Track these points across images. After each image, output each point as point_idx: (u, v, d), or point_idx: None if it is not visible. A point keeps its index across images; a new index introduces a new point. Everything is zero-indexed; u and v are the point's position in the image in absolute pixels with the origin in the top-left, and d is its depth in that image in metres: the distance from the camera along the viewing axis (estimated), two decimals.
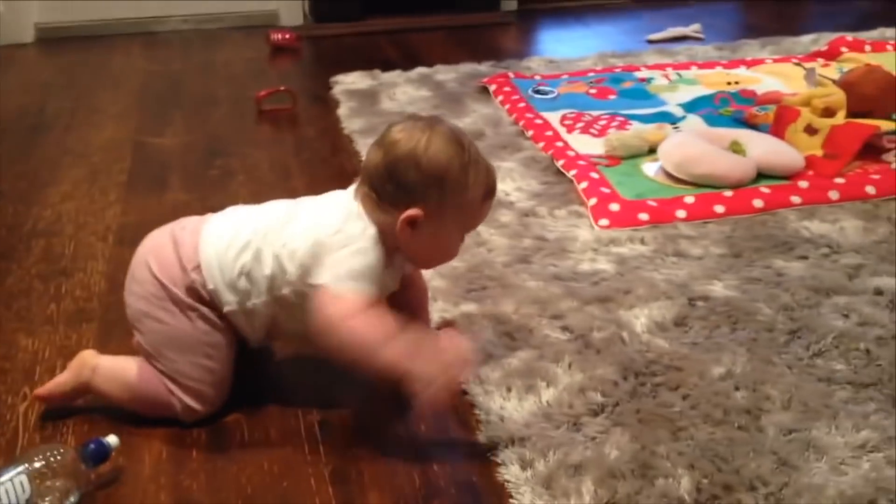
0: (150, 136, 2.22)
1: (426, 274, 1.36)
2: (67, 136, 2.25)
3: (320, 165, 2.04)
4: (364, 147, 2.05)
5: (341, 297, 1.08)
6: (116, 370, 1.19)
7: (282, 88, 2.39)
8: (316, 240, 1.12)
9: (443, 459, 1.12)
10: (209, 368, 1.16)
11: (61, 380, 1.21)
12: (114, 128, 2.29)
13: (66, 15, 3.14)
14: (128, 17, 3.17)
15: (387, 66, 2.62)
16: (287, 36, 2.95)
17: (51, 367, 1.30)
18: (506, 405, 1.17)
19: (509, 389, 1.19)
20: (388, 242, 1.14)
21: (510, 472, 1.06)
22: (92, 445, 1.07)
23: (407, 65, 2.64)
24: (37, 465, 1.01)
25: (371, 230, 1.12)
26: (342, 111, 2.31)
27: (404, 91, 2.42)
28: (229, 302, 1.16)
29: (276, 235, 1.15)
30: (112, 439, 1.08)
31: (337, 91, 2.46)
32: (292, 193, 1.86)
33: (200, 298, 1.16)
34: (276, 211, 1.19)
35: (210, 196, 1.87)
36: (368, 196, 1.13)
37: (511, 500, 1.03)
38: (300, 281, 1.13)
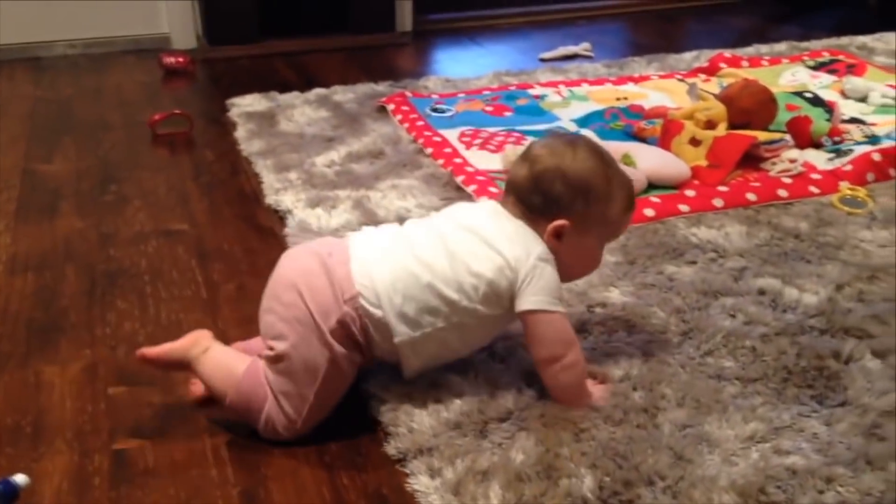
0: (39, 162, 2.16)
1: None
2: None
3: (220, 188, 2.02)
4: (264, 168, 2.05)
5: (564, 318, 1.17)
6: (226, 362, 1.20)
7: (177, 112, 2.36)
8: (504, 265, 1.16)
9: (352, 473, 1.13)
10: (311, 406, 1.16)
11: (173, 346, 1.21)
12: (0, 156, 2.21)
13: None
14: (10, 43, 3.06)
15: (284, 88, 2.62)
16: (180, 59, 2.91)
17: None
18: (414, 417, 1.18)
19: (417, 401, 1.21)
20: None
21: (419, 481, 1.08)
22: (0, 486, 1.03)
23: (304, 86, 2.64)
24: None
25: (546, 248, 1.18)
26: (240, 133, 2.29)
27: (302, 112, 2.42)
28: (401, 333, 1.16)
29: (446, 264, 1.16)
30: (21, 478, 1.05)
31: (234, 113, 2.44)
32: (192, 217, 1.86)
33: (347, 335, 1.15)
34: (429, 240, 1.19)
35: (105, 222, 1.83)
36: (517, 208, 1.20)
37: None
38: (487, 307, 1.16)
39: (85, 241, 1.75)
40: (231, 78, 2.85)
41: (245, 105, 2.50)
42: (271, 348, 1.17)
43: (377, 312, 1.15)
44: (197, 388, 1.24)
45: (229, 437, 1.19)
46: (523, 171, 1.20)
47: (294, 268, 1.19)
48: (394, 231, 1.25)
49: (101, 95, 2.69)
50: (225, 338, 1.42)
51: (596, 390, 1.22)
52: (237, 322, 1.46)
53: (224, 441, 1.18)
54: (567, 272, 1.23)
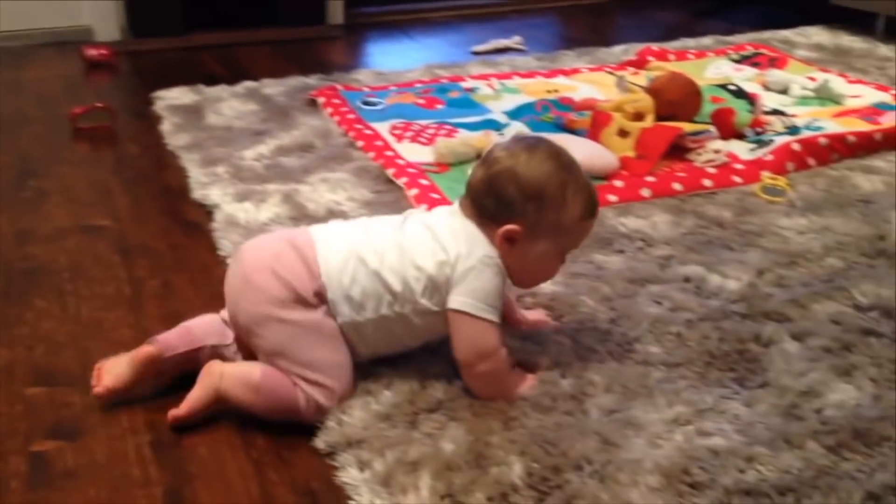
0: None
1: None
2: None
3: (144, 183, 1.98)
4: (190, 163, 2.01)
5: (489, 328, 1.16)
6: (241, 373, 1.18)
7: (99, 105, 2.30)
8: (445, 261, 1.15)
9: (280, 468, 1.11)
10: (336, 362, 1.16)
11: (196, 395, 1.17)
12: None
13: None
14: None
15: (211, 81, 2.57)
16: (103, 51, 2.83)
17: None
18: (344, 409, 1.16)
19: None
20: None
21: (348, 474, 1.07)
22: None
23: (232, 79, 2.59)
24: None
25: (495, 252, 1.17)
26: (165, 127, 2.24)
27: (231, 105, 2.38)
28: (343, 314, 1.17)
29: (395, 255, 1.17)
30: None
31: (159, 107, 2.39)
32: (115, 211, 1.81)
33: (325, 304, 1.17)
34: (386, 231, 1.21)
35: (22, 218, 1.77)
36: (471, 212, 1.18)
37: (350, 502, 1.04)
38: (427, 301, 1.16)
39: (1, 238, 1.69)
40: (156, 71, 2.78)
41: (171, 98, 2.45)
42: (258, 336, 1.16)
43: (329, 293, 1.16)
44: (100, 387, 1.20)
45: (151, 436, 1.16)
46: (480, 172, 1.19)
47: (262, 253, 1.20)
48: (360, 221, 1.27)
49: (20, 89, 2.60)
50: (149, 334, 1.38)
51: (523, 380, 1.22)
52: (162, 319, 1.43)
53: (147, 440, 1.16)
54: (521, 279, 1.23)
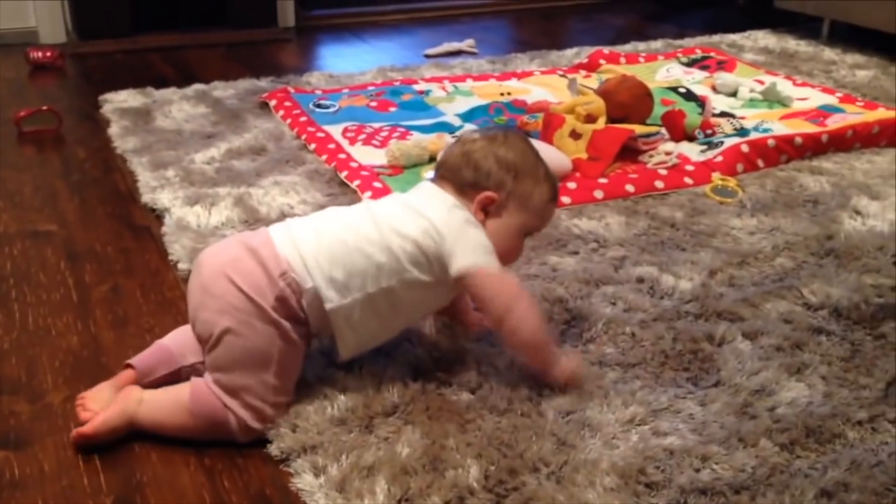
0: None
1: None
2: None
3: (92, 186, 1.94)
4: (139, 166, 1.97)
5: (502, 273, 1.19)
6: (167, 395, 1.15)
7: (44, 108, 2.25)
8: (428, 227, 1.16)
9: (234, 475, 1.09)
10: (275, 387, 1.13)
11: (107, 417, 1.12)
12: None
13: None
14: None
15: (161, 84, 2.53)
16: (48, 54, 2.78)
17: None
18: (299, 414, 1.15)
19: (302, 398, 1.18)
20: None
21: (303, 480, 1.05)
22: None
23: (182, 82, 2.56)
24: None
25: (471, 215, 1.20)
26: (113, 130, 2.20)
27: (180, 108, 2.35)
28: (331, 299, 1.14)
29: (371, 229, 1.16)
30: None
31: (107, 110, 2.34)
32: (62, 216, 1.77)
33: (288, 311, 1.13)
34: (353, 212, 1.22)
35: None
36: (447, 185, 1.22)
37: None
38: (417, 270, 1.16)
39: None
40: (104, 73, 2.73)
41: (119, 101, 2.41)
42: (213, 345, 1.12)
43: (307, 282, 1.13)
44: (89, 412, 1.14)
45: (101, 444, 1.13)
46: (456, 149, 1.25)
47: (218, 259, 1.16)
48: (319, 212, 1.26)
49: None
50: (98, 341, 1.36)
51: (568, 360, 1.22)
52: (111, 325, 1.40)
53: (96, 449, 1.13)
54: None
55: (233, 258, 1.15)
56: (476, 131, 1.30)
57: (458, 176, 1.22)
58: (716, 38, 3.11)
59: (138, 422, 1.14)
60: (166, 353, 1.21)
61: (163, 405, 1.14)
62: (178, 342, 1.22)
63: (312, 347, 1.23)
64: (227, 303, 1.12)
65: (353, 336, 1.18)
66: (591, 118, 2.05)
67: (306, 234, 1.17)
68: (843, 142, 2.08)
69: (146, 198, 1.83)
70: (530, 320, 1.19)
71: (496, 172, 1.21)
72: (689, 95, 2.34)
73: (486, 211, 1.21)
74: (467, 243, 1.17)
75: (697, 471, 1.06)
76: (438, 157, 1.29)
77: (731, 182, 1.89)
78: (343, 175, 1.89)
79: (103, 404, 1.15)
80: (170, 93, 2.47)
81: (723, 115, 2.24)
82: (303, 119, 2.22)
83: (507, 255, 1.26)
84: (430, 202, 1.20)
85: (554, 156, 1.93)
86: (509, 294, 1.18)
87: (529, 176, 1.23)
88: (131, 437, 1.14)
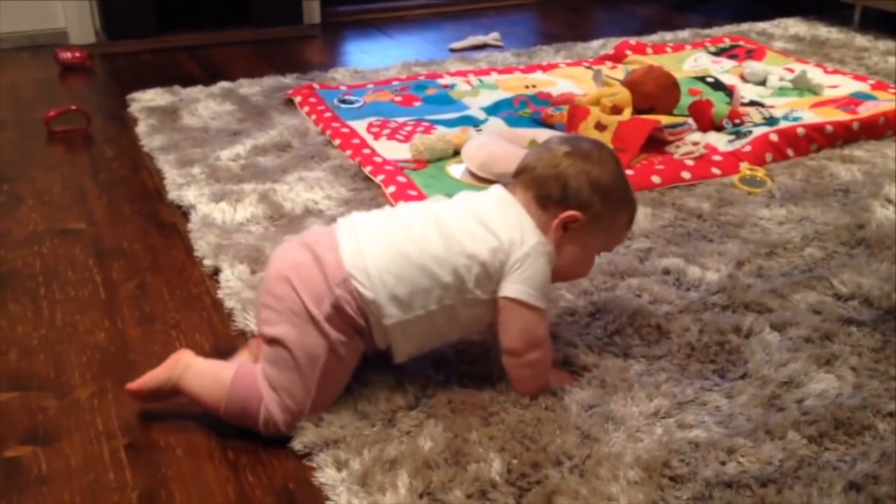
0: None
1: None
2: None
3: (120, 185, 1.95)
4: (166, 164, 1.99)
5: (541, 316, 1.15)
6: (212, 368, 1.17)
7: (73, 108, 2.27)
8: (498, 247, 1.13)
9: (257, 469, 1.10)
10: (315, 399, 1.13)
11: (154, 374, 1.17)
12: None
13: None
14: None
15: (187, 82, 2.54)
16: (77, 54, 2.80)
17: None
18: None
19: None
20: None
21: (325, 474, 1.06)
22: None
23: (209, 80, 2.57)
24: None
25: (545, 240, 1.16)
26: (141, 129, 2.22)
27: (207, 106, 2.36)
28: (391, 315, 1.13)
29: (439, 245, 1.14)
30: None
31: (134, 109, 2.37)
32: (90, 214, 1.79)
33: (344, 319, 1.12)
34: (419, 220, 1.17)
35: None
36: (527, 194, 1.18)
37: (328, 502, 1.02)
38: (479, 290, 1.14)
39: None
40: (131, 73, 2.76)
41: (146, 100, 2.43)
42: (269, 341, 1.14)
43: (369, 294, 1.12)
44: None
45: (126, 439, 1.15)
46: (544, 159, 1.18)
47: (284, 262, 1.17)
48: (387, 212, 1.23)
49: None
50: (125, 337, 1.37)
51: (563, 378, 1.22)
52: (138, 321, 1.41)
53: (122, 444, 1.14)
54: (559, 272, 1.21)
55: (296, 263, 1.15)
56: (567, 140, 1.21)
57: (544, 188, 1.17)
58: (745, 26, 3.07)
59: (182, 387, 1.16)
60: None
61: (203, 379, 1.16)
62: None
63: None
64: (285, 307, 1.13)
65: (410, 345, 1.18)
66: (616, 109, 2.03)
67: (373, 243, 1.14)
68: (874, 129, 2.04)
69: (172, 195, 1.84)
70: (535, 370, 1.17)
71: (586, 193, 1.16)
72: (717, 85, 2.31)
73: (567, 227, 1.17)
74: (526, 273, 1.14)
75: (723, 464, 1.05)
76: (520, 160, 1.23)
77: (760, 172, 1.86)
78: (367, 170, 1.89)
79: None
80: (196, 91, 2.48)
81: (751, 104, 2.21)
82: (327, 115, 2.23)
83: (579, 269, 1.25)
84: (504, 219, 1.16)
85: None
86: (535, 338, 1.16)
87: (617, 199, 1.19)
88: (157, 431, 1.16)
